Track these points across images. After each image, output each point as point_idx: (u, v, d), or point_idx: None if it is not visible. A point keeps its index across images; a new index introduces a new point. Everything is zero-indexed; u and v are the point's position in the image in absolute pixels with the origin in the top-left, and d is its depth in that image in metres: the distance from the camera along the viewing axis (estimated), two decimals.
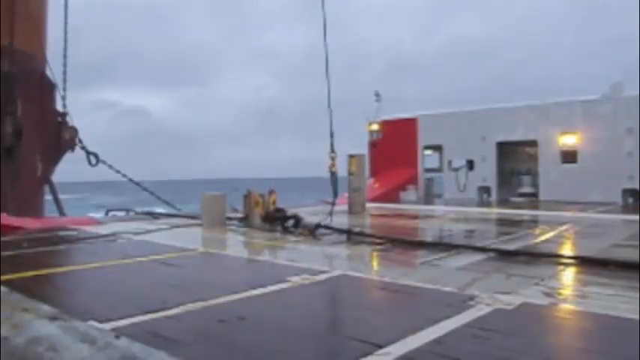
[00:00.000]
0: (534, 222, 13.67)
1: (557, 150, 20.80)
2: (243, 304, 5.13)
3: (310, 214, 13.12)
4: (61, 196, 17.91)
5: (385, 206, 18.75)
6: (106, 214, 16.61)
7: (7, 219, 11.65)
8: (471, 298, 5.16)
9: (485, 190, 22.70)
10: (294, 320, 4.61)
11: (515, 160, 23.85)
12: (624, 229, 11.85)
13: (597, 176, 19.43)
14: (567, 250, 8.98)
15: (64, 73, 17.31)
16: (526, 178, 22.89)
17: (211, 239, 10.65)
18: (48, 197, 17.44)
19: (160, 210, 16.98)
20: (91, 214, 17.48)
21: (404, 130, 24.68)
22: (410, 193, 22.64)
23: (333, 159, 12.36)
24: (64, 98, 17.03)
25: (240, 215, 12.98)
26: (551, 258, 7.66)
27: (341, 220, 12.94)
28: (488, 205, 19.72)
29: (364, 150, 25.10)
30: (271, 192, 12.58)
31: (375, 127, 25.44)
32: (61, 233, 11.06)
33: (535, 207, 18.20)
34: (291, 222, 11.47)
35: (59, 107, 17.15)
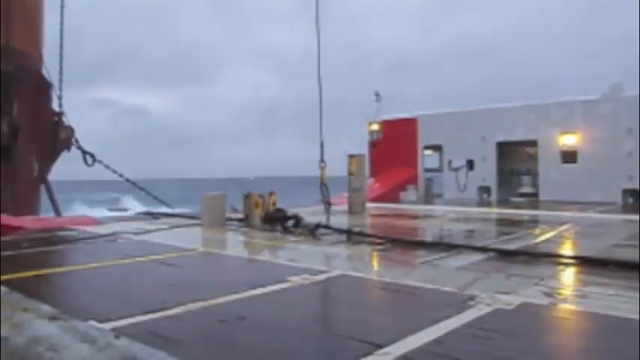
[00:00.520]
0: (534, 222, 13.66)
1: (557, 150, 20.80)
2: (243, 304, 5.13)
3: (310, 214, 13.12)
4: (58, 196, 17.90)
5: (385, 206, 18.75)
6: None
7: (7, 219, 11.65)
8: (471, 298, 5.16)
9: (486, 190, 22.70)
10: (294, 320, 4.61)
11: (515, 160, 23.85)
12: (624, 229, 11.85)
13: (597, 176, 19.43)
14: (567, 250, 8.98)
15: (60, 72, 17.33)
16: (526, 178, 22.89)
17: (211, 239, 10.64)
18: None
19: (163, 209, 17.01)
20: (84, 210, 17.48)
21: (404, 130, 24.68)
22: (410, 193, 22.64)
23: (322, 169, 12.15)
24: (60, 98, 17.03)
25: (240, 216, 12.98)
26: (551, 258, 7.66)
27: (341, 220, 12.94)
28: (488, 205, 19.71)
29: (364, 150, 25.13)
30: (271, 193, 12.58)
31: (375, 127, 25.45)
32: (61, 233, 11.06)
33: (535, 207, 18.19)
34: (291, 222, 11.47)
35: (55, 107, 17.14)
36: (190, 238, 10.25)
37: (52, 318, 3.87)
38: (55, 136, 16.71)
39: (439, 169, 24.69)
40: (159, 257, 7.98)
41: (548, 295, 5.45)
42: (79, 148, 17.15)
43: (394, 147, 24.54)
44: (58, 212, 17.33)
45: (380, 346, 3.73)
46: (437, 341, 3.88)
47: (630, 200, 18.91)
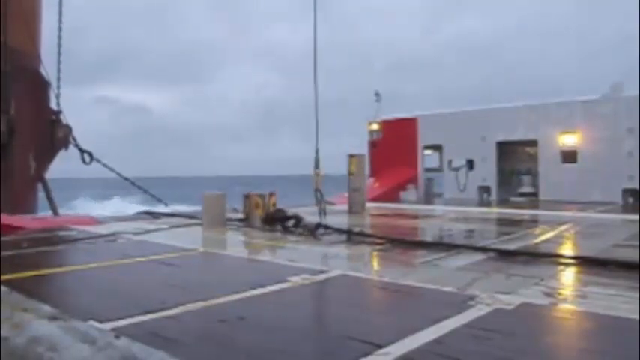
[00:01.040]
0: (534, 222, 13.66)
1: (557, 150, 20.80)
2: (243, 304, 5.14)
3: (310, 214, 13.12)
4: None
5: (385, 206, 18.75)
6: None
7: (8, 219, 11.65)
8: (471, 298, 5.16)
9: (486, 190, 22.70)
10: (294, 320, 4.61)
11: (515, 160, 23.85)
12: (624, 229, 11.85)
13: (597, 176, 19.43)
14: (567, 250, 8.98)
15: (59, 71, 17.30)
16: (526, 178, 22.90)
17: (211, 239, 10.65)
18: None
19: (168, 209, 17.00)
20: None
21: (404, 130, 24.69)
22: (410, 193, 22.64)
23: (317, 175, 12.10)
24: (58, 96, 17.01)
25: (240, 216, 12.98)
26: (551, 258, 7.66)
27: (341, 220, 12.94)
28: (488, 205, 19.72)
29: (365, 148, 25.16)
30: (271, 194, 12.57)
31: (375, 127, 25.45)
32: (61, 233, 11.06)
33: (535, 207, 18.19)
34: (291, 222, 11.47)
35: (53, 105, 17.12)
36: (190, 238, 10.25)
37: (52, 318, 3.87)
38: (52, 135, 16.68)
39: (439, 169, 24.69)
40: (159, 257, 7.98)
41: (548, 295, 5.45)
42: (77, 146, 17.14)
43: (394, 147, 24.54)
44: (55, 211, 17.32)
45: (380, 346, 3.73)
46: (437, 341, 3.88)
47: (630, 200, 18.91)
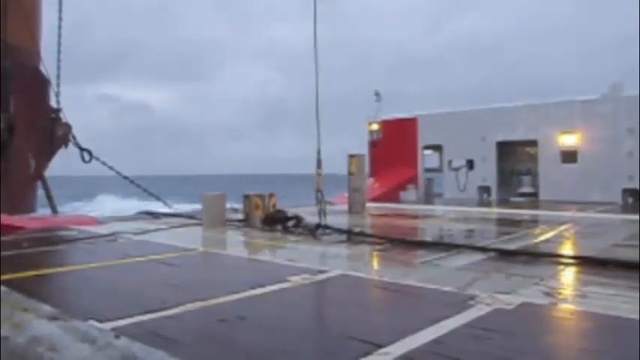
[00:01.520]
0: (534, 222, 13.66)
1: (557, 150, 20.81)
2: (243, 303, 5.13)
3: (310, 214, 13.12)
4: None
5: (385, 206, 18.75)
6: None
7: (8, 219, 11.65)
8: (471, 297, 5.16)
9: (486, 189, 22.70)
10: (293, 320, 4.61)
11: (515, 160, 23.85)
12: (624, 228, 11.85)
13: (597, 176, 19.44)
14: (567, 249, 8.98)
15: (58, 68, 17.27)
16: (526, 178, 22.90)
17: (211, 239, 10.65)
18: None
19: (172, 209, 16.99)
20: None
21: (404, 130, 24.69)
22: (410, 193, 22.64)
23: (319, 175, 12.11)
24: (57, 94, 16.99)
25: (240, 216, 12.97)
26: (551, 258, 7.66)
27: (341, 220, 12.94)
28: (488, 204, 19.72)
29: (366, 148, 25.17)
30: (271, 195, 12.55)
31: (375, 126, 25.45)
32: (61, 233, 11.06)
33: (535, 207, 18.20)
34: (291, 223, 11.47)
35: (53, 103, 17.10)
36: (190, 238, 10.25)
37: (52, 318, 3.87)
38: (52, 133, 16.67)
39: (439, 169, 24.70)
40: (159, 257, 7.98)
41: (548, 295, 5.45)
42: (77, 144, 17.12)
43: (394, 147, 24.55)
44: (54, 209, 17.31)
45: (380, 346, 3.73)
46: (437, 341, 3.88)
47: (630, 200, 18.91)
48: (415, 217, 15.24)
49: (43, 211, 17.15)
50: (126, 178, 18.72)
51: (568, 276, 6.60)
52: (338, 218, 13.30)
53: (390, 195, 22.04)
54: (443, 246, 8.88)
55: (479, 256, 7.86)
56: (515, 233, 10.98)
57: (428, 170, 25.10)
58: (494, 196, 22.35)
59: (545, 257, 7.74)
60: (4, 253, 8.17)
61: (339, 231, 10.47)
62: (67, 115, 17.14)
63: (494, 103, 23.19)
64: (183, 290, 5.73)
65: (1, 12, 14.53)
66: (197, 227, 12.22)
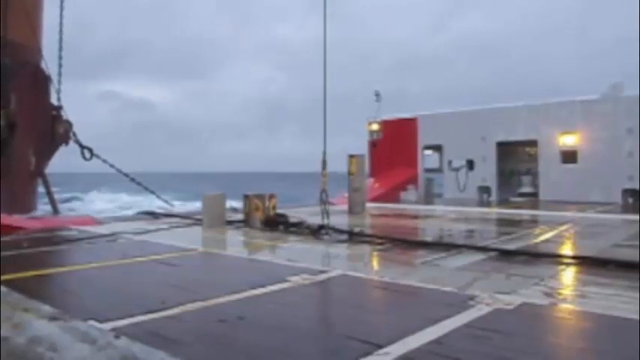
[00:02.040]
0: (534, 222, 13.66)
1: (557, 150, 20.81)
2: (243, 304, 5.14)
3: (311, 215, 13.13)
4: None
5: (385, 206, 18.75)
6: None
7: (8, 219, 11.65)
8: (471, 298, 5.16)
9: (485, 190, 22.70)
10: (293, 320, 4.61)
11: (515, 160, 23.85)
12: (624, 229, 11.85)
13: (597, 176, 19.44)
14: (567, 250, 8.98)
15: (60, 66, 17.27)
16: (526, 178, 22.91)
17: (211, 239, 10.65)
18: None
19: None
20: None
21: (404, 130, 24.69)
22: (410, 193, 22.64)
23: (325, 176, 12.20)
24: (58, 92, 16.98)
25: (240, 216, 12.95)
26: (552, 258, 7.66)
27: (341, 220, 12.94)
28: (488, 205, 19.72)
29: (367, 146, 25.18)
30: (271, 196, 12.53)
31: (375, 127, 25.45)
32: (61, 233, 11.06)
33: (535, 207, 18.19)
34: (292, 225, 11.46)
35: (54, 101, 17.10)
36: (190, 238, 10.25)
37: (52, 318, 3.87)
38: (53, 131, 16.67)
39: (439, 169, 24.69)
40: (159, 257, 7.98)
41: (548, 295, 5.46)
42: (77, 142, 17.12)
43: (394, 147, 24.55)
44: (54, 205, 17.32)
45: (380, 346, 3.73)
46: (437, 341, 3.88)
47: (630, 200, 18.91)
48: (415, 217, 15.24)
49: (43, 207, 17.16)
50: (126, 175, 18.73)
51: (568, 276, 6.61)
52: (338, 218, 13.29)
53: (390, 195, 22.04)
54: (443, 246, 8.89)
55: (479, 256, 7.87)
56: (515, 233, 10.98)
57: (428, 170, 25.10)
58: (494, 196, 22.35)
59: (545, 257, 7.74)
60: (4, 253, 8.17)
61: (340, 231, 10.48)
62: (68, 112, 17.14)
63: (497, 102, 23.22)
64: (183, 290, 5.73)
65: (2, 9, 14.52)
66: (197, 227, 12.22)
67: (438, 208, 18.54)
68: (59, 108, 16.98)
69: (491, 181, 22.56)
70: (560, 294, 5.57)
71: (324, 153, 11.99)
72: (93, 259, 7.81)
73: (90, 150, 17.15)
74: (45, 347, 3.32)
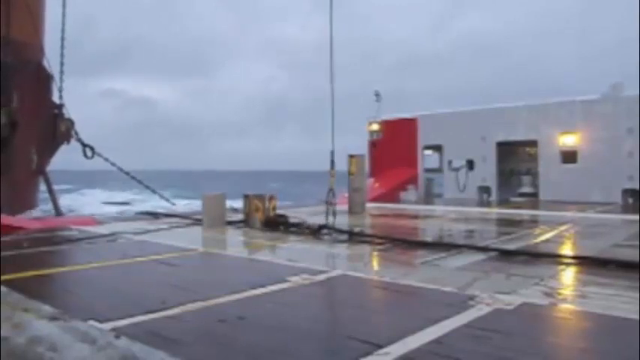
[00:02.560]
0: (534, 222, 13.66)
1: (557, 150, 20.80)
2: (243, 304, 5.14)
3: (311, 214, 13.13)
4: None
5: (385, 206, 18.75)
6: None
7: (8, 219, 11.65)
8: (471, 298, 5.15)
9: (485, 190, 22.69)
10: (293, 320, 4.61)
11: (515, 160, 23.85)
12: (624, 229, 11.84)
13: (597, 176, 19.43)
14: (567, 250, 8.98)
15: (62, 64, 17.23)
16: (526, 178, 22.90)
17: (211, 239, 10.64)
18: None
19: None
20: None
21: (404, 130, 24.68)
22: (410, 193, 22.63)
23: (332, 176, 12.37)
24: (60, 90, 16.96)
25: (240, 216, 12.94)
26: (552, 258, 7.66)
27: (341, 220, 12.94)
28: (488, 205, 19.71)
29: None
30: (271, 197, 12.52)
31: (375, 127, 25.45)
32: (61, 233, 11.05)
33: (535, 207, 18.19)
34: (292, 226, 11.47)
35: (56, 99, 17.08)
36: (190, 238, 10.25)
37: (53, 318, 3.87)
38: (54, 129, 16.66)
39: (439, 169, 24.69)
40: (159, 257, 7.98)
41: (548, 295, 5.46)
42: (79, 140, 17.11)
43: (394, 147, 24.54)
44: (55, 204, 17.31)
45: (380, 346, 3.73)
46: (437, 341, 3.88)
47: (630, 200, 18.91)
48: (415, 217, 15.24)
49: (43, 208, 17.16)
50: (127, 174, 18.73)
51: (568, 276, 6.61)
52: (338, 218, 13.27)
53: (390, 195, 22.03)
54: (443, 246, 8.88)
55: (479, 257, 7.87)
56: (515, 233, 10.98)
57: (428, 170, 25.09)
58: (494, 196, 22.34)
59: (545, 257, 7.74)
60: (4, 253, 8.18)
61: (340, 231, 10.48)
62: (69, 110, 17.11)
63: (497, 102, 23.22)
64: (183, 290, 5.73)
65: (4, 7, 14.50)
66: (197, 227, 12.22)
67: (438, 208, 18.54)
68: (61, 106, 16.95)
69: (491, 181, 22.56)
70: (560, 294, 5.57)
71: (332, 153, 12.13)
72: (93, 259, 7.81)
73: (92, 148, 17.14)
74: (45, 347, 3.32)
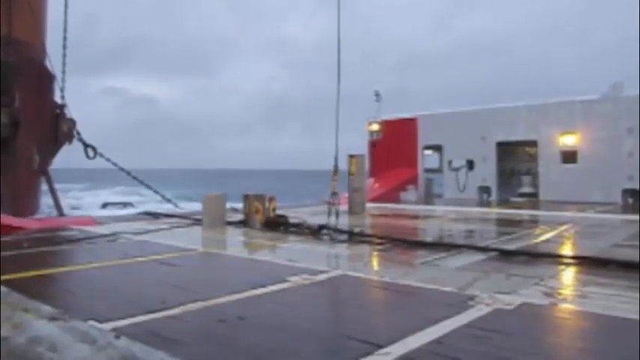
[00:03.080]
0: (534, 222, 13.66)
1: (557, 150, 20.80)
2: (243, 304, 5.14)
3: (311, 214, 13.13)
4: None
5: (385, 206, 18.75)
6: (104, 206, 16.64)
7: (8, 219, 11.65)
8: (471, 298, 5.16)
9: (485, 190, 22.69)
10: (294, 320, 4.61)
11: (515, 160, 23.85)
12: (624, 229, 11.84)
13: (597, 176, 19.43)
14: (567, 250, 8.98)
15: (64, 64, 17.20)
16: (526, 178, 22.90)
17: (211, 239, 10.65)
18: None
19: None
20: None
21: (404, 130, 24.68)
22: (410, 193, 22.63)
23: (335, 180, 12.42)
24: (62, 90, 16.94)
25: (240, 217, 12.94)
26: (552, 258, 7.66)
27: (341, 221, 12.91)
28: (488, 205, 19.71)
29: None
30: (271, 199, 12.51)
31: (374, 127, 25.44)
32: (62, 233, 11.06)
33: (535, 207, 18.19)
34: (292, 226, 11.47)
35: (58, 99, 17.06)
36: (190, 238, 10.26)
37: (53, 318, 3.87)
38: (56, 129, 16.65)
39: (439, 169, 24.69)
40: (159, 257, 7.98)
41: (548, 295, 5.46)
42: (81, 140, 17.11)
43: (394, 147, 24.54)
44: (57, 203, 17.30)
45: (380, 346, 3.73)
46: (437, 341, 3.88)
47: (630, 200, 18.91)
48: (415, 217, 15.24)
49: (46, 206, 17.15)
50: (129, 174, 18.72)
51: (568, 276, 6.61)
52: (338, 218, 13.29)
53: (390, 195, 22.03)
54: (443, 246, 8.88)
55: (479, 257, 7.87)
56: (515, 233, 10.98)
57: (428, 170, 25.09)
58: (494, 196, 22.34)
59: (545, 257, 7.74)
60: (4, 253, 8.18)
61: (340, 231, 10.48)
62: (71, 108, 17.10)
63: (497, 101, 23.22)
64: (183, 290, 5.73)
65: (6, 6, 14.49)
66: (197, 227, 12.22)
67: (438, 208, 18.53)
68: (63, 106, 16.94)
69: (492, 181, 22.55)
70: (560, 294, 5.57)
71: (336, 159, 12.18)
72: (93, 259, 7.82)
73: (94, 148, 17.14)
74: (45, 347, 3.32)
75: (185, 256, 8.19)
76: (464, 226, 12.62)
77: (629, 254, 7.86)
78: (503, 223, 13.63)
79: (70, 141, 17.04)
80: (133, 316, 4.59)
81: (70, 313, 4.18)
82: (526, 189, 22.57)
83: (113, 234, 10.64)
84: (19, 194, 14.60)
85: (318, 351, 3.84)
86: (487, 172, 22.58)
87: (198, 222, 12.71)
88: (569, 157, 20.53)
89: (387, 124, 25.27)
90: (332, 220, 11.30)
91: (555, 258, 7.64)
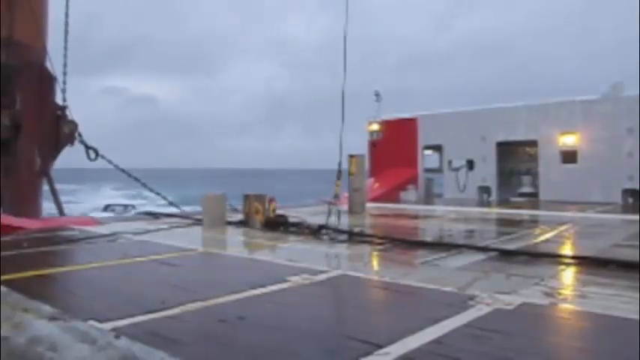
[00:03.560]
0: (534, 222, 13.66)
1: (557, 150, 20.81)
2: (243, 304, 5.14)
3: (311, 214, 13.13)
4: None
5: (385, 206, 18.75)
6: (105, 209, 16.62)
7: (8, 219, 11.65)
8: (471, 298, 5.15)
9: (486, 190, 22.70)
10: (293, 320, 4.61)
11: (515, 160, 23.85)
12: (624, 229, 11.84)
13: (597, 176, 19.43)
14: (567, 250, 8.98)
15: (65, 65, 17.18)
16: (526, 178, 22.90)
17: (211, 239, 10.65)
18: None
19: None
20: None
21: (404, 130, 24.69)
22: (410, 193, 22.64)
23: (338, 186, 12.52)
24: (64, 91, 16.93)
25: (240, 217, 12.94)
26: (552, 258, 7.66)
27: (341, 221, 12.93)
28: (488, 205, 19.72)
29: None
30: (271, 199, 12.51)
31: (375, 127, 25.45)
32: (62, 233, 11.05)
33: (535, 207, 18.19)
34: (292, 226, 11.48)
35: (59, 100, 17.05)
36: (190, 238, 10.26)
37: (53, 318, 3.88)
38: (58, 131, 16.64)
39: (439, 169, 24.69)
40: (159, 257, 7.98)
41: (548, 295, 5.46)
42: (82, 142, 17.10)
43: (394, 147, 24.54)
44: (59, 205, 17.29)
45: (380, 346, 3.73)
46: (437, 341, 3.88)
47: (630, 200, 18.91)
48: (415, 217, 15.24)
49: (47, 205, 17.15)
50: (130, 175, 18.70)
51: (568, 276, 6.61)
52: (339, 219, 13.29)
53: (390, 195, 22.03)
54: (443, 246, 8.88)
55: (479, 256, 7.87)
56: (515, 233, 10.98)
57: (428, 170, 25.10)
58: (494, 196, 22.34)
59: (545, 257, 7.74)
60: (4, 253, 8.17)
61: (340, 231, 10.48)
62: (72, 108, 17.07)
63: (498, 101, 23.24)
64: (183, 290, 5.73)
65: (7, 8, 14.47)
66: (197, 227, 12.22)
67: (437, 208, 18.54)
68: (64, 108, 16.95)
69: (492, 181, 22.56)
70: (560, 294, 5.57)
71: (339, 164, 12.25)
72: (93, 259, 7.81)
73: (95, 150, 17.14)
74: (45, 347, 3.32)
75: (185, 256, 8.19)
76: (464, 226, 12.62)
77: (629, 254, 7.86)
78: (503, 223, 13.63)
79: (72, 143, 17.04)
80: (132, 316, 4.59)
81: (70, 313, 4.18)
82: (526, 189, 22.57)
83: (113, 234, 10.63)
84: (21, 197, 14.59)
85: (318, 351, 3.84)
86: (487, 172, 22.58)
87: (198, 222, 12.71)
88: (569, 157, 20.53)
89: (387, 124, 25.27)
90: (332, 220, 11.31)
91: (555, 258, 7.64)
